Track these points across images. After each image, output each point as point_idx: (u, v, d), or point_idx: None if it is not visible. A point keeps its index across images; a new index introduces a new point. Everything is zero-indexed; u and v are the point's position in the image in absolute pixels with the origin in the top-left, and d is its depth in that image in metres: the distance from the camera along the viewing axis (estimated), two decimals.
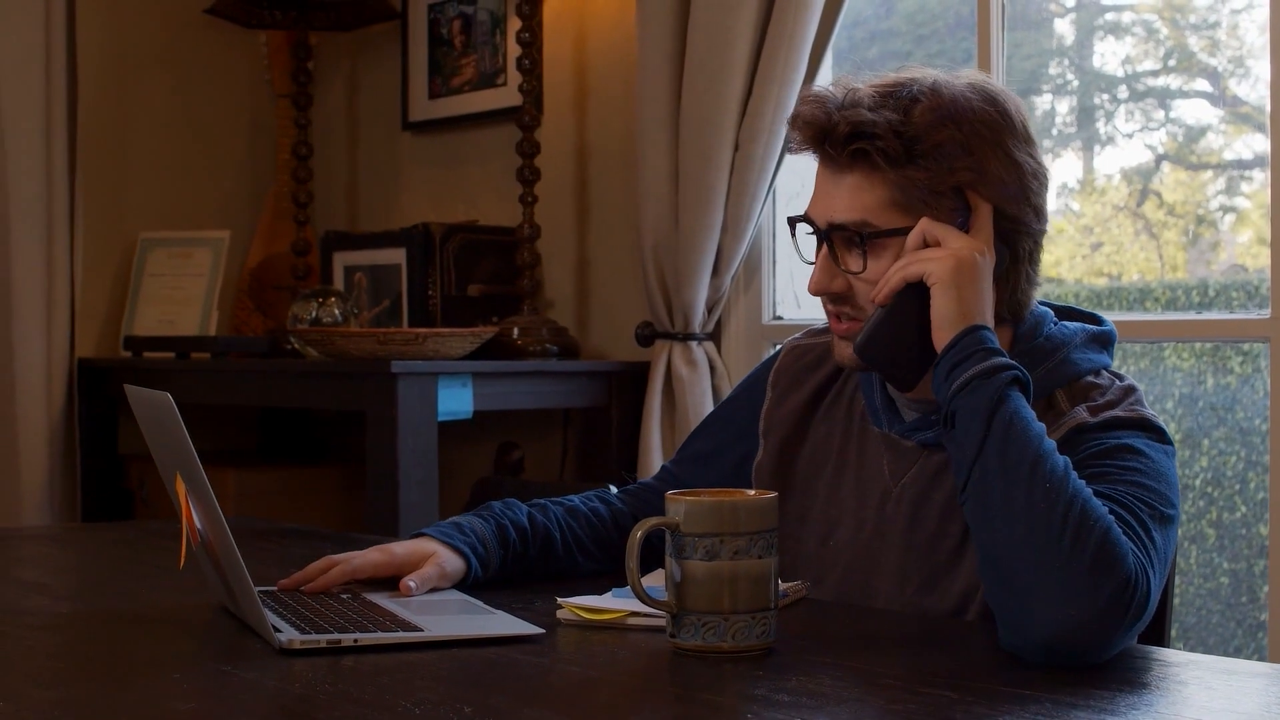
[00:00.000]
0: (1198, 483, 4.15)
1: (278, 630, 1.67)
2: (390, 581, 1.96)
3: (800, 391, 2.15)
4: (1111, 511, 1.70)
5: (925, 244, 1.86)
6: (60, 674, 1.64)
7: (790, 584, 1.95)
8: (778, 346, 3.86)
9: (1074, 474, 1.70)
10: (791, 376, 2.16)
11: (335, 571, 1.97)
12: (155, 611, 1.95)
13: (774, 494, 1.68)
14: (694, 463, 2.23)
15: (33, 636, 1.81)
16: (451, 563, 1.98)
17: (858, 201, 1.88)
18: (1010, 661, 1.62)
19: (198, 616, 1.89)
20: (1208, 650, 4.11)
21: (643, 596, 1.66)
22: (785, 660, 1.63)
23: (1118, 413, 1.85)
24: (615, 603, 1.82)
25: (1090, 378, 1.92)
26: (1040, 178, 1.93)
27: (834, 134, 1.87)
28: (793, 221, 2.00)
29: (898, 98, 1.87)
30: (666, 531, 1.66)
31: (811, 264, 1.97)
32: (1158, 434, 1.86)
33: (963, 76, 1.92)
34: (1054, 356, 1.92)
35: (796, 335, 2.23)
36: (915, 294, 1.85)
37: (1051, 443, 1.72)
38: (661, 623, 1.71)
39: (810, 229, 1.95)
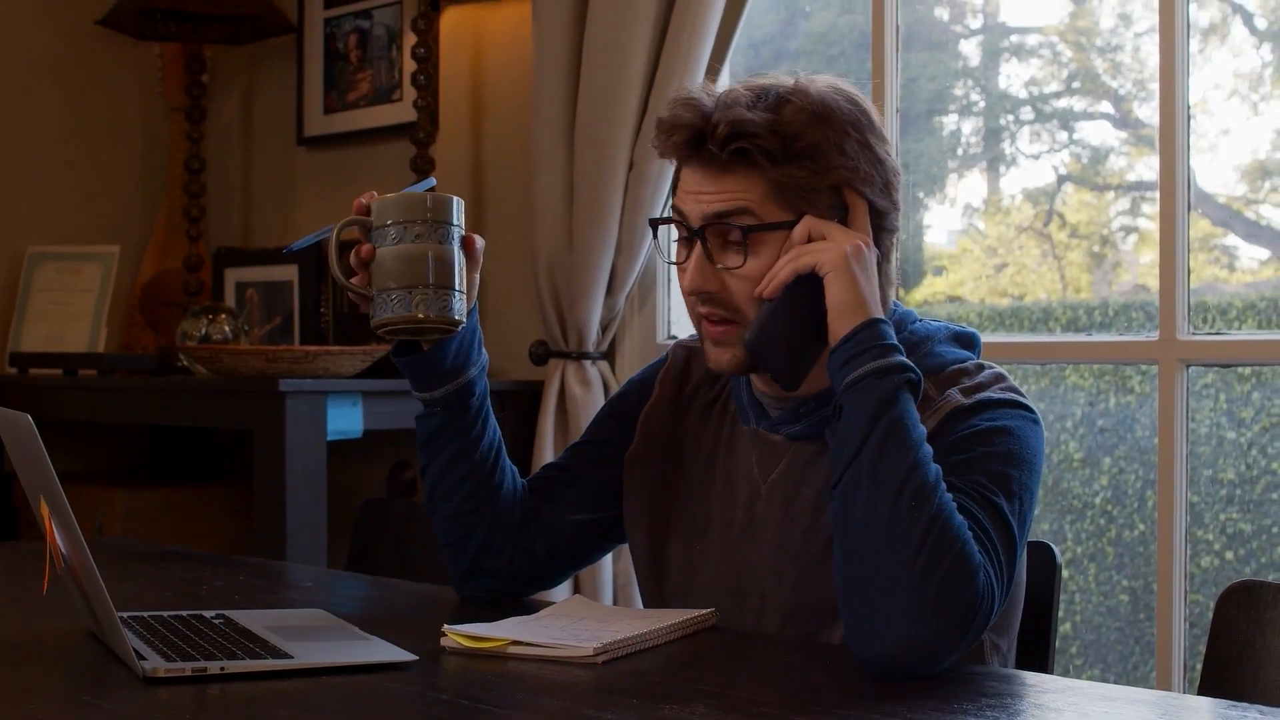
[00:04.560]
0: (1098, 501, 4.16)
1: (142, 658, 1.63)
2: (264, 604, 1.93)
3: (682, 391, 2.15)
4: (970, 517, 1.73)
5: (810, 239, 1.86)
6: None
7: (701, 612, 1.93)
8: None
9: (942, 487, 1.72)
10: (676, 376, 2.16)
11: None
12: (19, 637, 1.90)
13: (455, 197, 1.91)
14: (586, 448, 2.20)
15: None
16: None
17: (738, 196, 1.88)
18: (887, 689, 1.61)
19: (64, 643, 1.84)
20: (1106, 668, 4.13)
21: (339, 279, 1.93)
22: (661, 689, 1.61)
23: (990, 394, 1.87)
24: (498, 630, 1.80)
25: (956, 365, 1.93)
26: (897, 174, 1.96)
27: (714, 134, 1.87)
28: (655, 223, 2.02)
29: (767, 97, 1.89)
30: (361, 229, 1.93)
31: (673, 264, 1.97)
32: (1027, 412, 1.88)
33: (821, 79, 1.93)
34: (919, 350, 1.93)
35: (684, 337, 2.22)
36: (805, 287, 1.84)
37: (928, 451, 1.74)
38: (545, 652, 1.71)
39: (680, 230, 1.95)
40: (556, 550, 2.17)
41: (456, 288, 1.90)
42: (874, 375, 1.76)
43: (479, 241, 1.98)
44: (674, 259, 1.97)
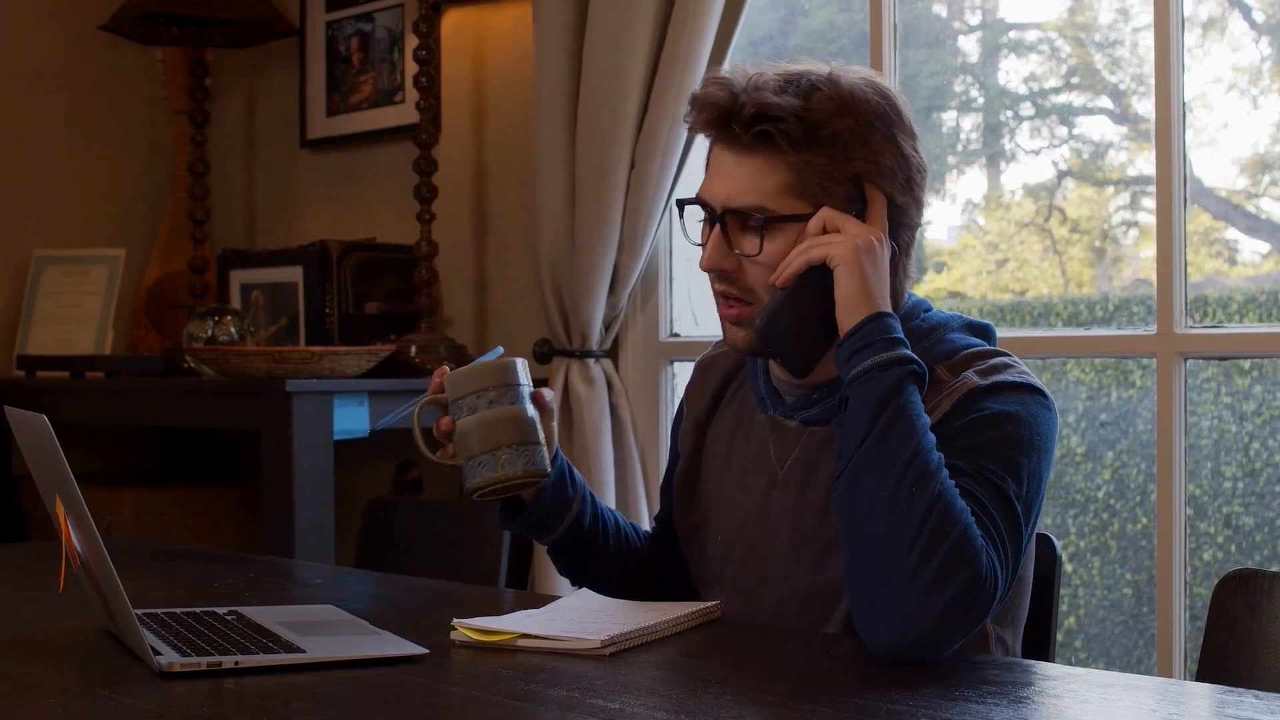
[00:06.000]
0: (1100, 495, 4.18)
1: (158, 653, 1.66)
2: (275, 600, 1.99)
3: (705, 399, 2.19)
4: (975, 502, 1.76)
5: (825, 231, 1.89)
6: None
7: (706, 605, 1.96)
8: (674, 362, 3.87)
9: (944, 473, 1.75)
10: (700, 389, 2.21)
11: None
12: (36, 635, 1.92)
13: (519, 359, 2.02)
14: (665, 495, 2.28)
15: None
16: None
17: (756, 184, 1.91)
18: (892, 677, 1.63)
19: (80, 640, 1.86)
20: (1110, 661, 4.15)
21: (427, 455, 2.01)
22: (668, 678, 1.63)
23: (1006, 377, 1.89)
24: (506, 624, 1.82)
25: (968, 350, 1.95)
26: (923, 171, 1.99)
27: (740, 114, 1.89)
28: (681, 204, 2.03)
29: (798, 84, 1.91)
30: (439, 408, 2.03)
31: (698, 245, 1.99)
32: (1041, 397, 1.90)
33: (854, 70, 1.96)
34: (932, 336, 1.96)
35: (704, 353, 2.26)
36: (816, 278, 1.88)
37: (931, 440, 1.77)
38: (553, 645, 1.74)
39: (702, 210, 1.98)
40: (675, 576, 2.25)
41: (537, 441, 2.00)
42: (879, 368, 1.80)
43: (547, 395, 2.05)
44: (698, 239, 2.00)
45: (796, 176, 1.90)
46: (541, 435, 2.01)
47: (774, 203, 1.90)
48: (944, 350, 1.94)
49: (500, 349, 2.18)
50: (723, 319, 1.99)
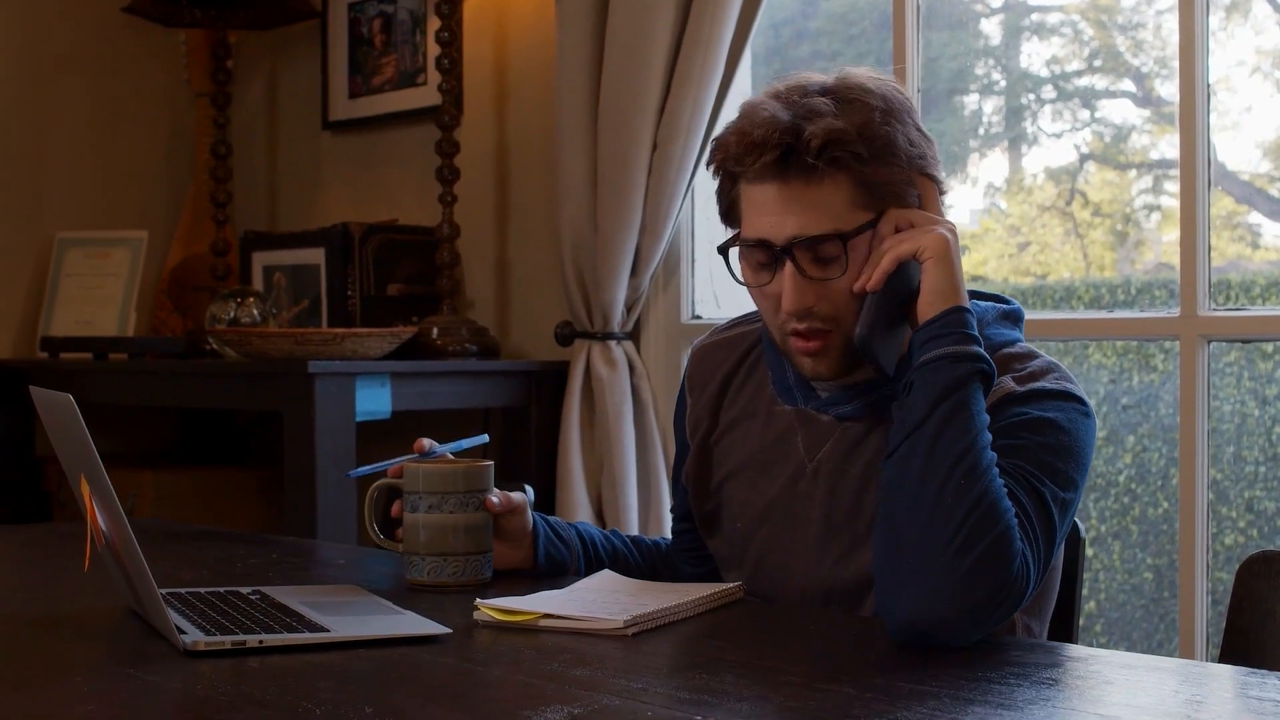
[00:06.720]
0: (1121, 479, 4.17)
1: (182, 632, 1.66)
2: (298, 580, 2.02)
3: (710, 386, 2.18)
4: (1013, 500, 1.75)
5: (898, 229, 1.89)
6: None
7: (728, 586, 1.97)
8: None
9: (995, 471, 1.74)
10: (703, 376, 2.20)
11: None
12: (61, 614, 1.93)
13: (487, 465, 2.06)
14: (680, 492, 2.27)
15: None
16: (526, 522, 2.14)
17: (827, 210, 1.88)
18: (914, 658, 1.64)
19: (104, 619, 1.87)
20: (1130, 645, 4.15)
21: (376, 537, 2.10)
22: (690, 658, 1.64)
23: (1044, 384, 1.88)
24: (529, 604, 1.82)
25: (1007, 350, 1.94)
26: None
27: (809, 147, 1.86)
28: (726, 249, 1.99)
29: (837, 99, 1.89)
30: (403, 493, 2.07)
31: (744, 284, 1.97)
32: (1080, 405, 1.89)
33: (858, 69, 1.95)
34: None
35: (700, 337, 2.25)
36: (896, 274, 1.87)
37: (987, 439, 1.76)
38: (576, 625, 1.75)
39: (761, 254, 1.93)
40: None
41: (485, 550, 2.06)
42: (950, 359, 1.79)
43: (515, 497, 2.10)
44: (745, 280, 1.97)
45: (862, 190, 1.89)
46: (490, 542, 2.06)
47: (844, 221, 1.88)
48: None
49: (486, 437, 2.22)
50: (801, 354, 1.95)
